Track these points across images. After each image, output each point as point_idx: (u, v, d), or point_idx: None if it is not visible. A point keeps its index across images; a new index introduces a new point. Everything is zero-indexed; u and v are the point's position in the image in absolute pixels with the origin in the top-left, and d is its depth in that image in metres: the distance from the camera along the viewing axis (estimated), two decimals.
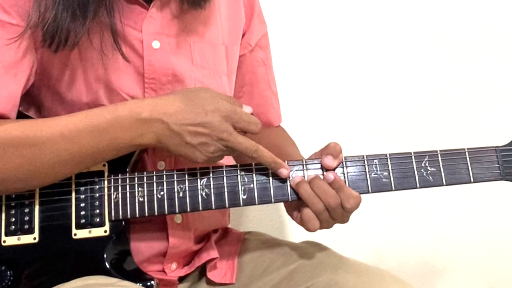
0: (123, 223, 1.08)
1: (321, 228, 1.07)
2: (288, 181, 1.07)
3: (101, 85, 1.09)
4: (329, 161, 1.07)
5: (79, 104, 1.09)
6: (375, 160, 1.07)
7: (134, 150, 1.06)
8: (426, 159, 1.07)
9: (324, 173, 1.07)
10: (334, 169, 1.07)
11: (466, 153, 1.07)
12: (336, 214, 1.06)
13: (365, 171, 1.07)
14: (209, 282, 1.20)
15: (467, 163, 1.07)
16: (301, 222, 1.08)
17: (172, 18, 1.14)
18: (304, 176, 1.07)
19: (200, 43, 1.17)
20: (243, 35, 1.29)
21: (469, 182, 1.06)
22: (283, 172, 1.06)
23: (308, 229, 1.07)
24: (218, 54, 1.20)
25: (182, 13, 1.15)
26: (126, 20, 1.10)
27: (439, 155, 1.07)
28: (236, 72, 1.29)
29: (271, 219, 1.74)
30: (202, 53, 1.17)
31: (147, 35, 1.11)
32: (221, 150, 1.04)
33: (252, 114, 1.07)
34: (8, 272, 1.06)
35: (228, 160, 1.31)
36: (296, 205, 1.09)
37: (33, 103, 1.13)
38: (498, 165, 1.07)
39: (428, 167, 1.07)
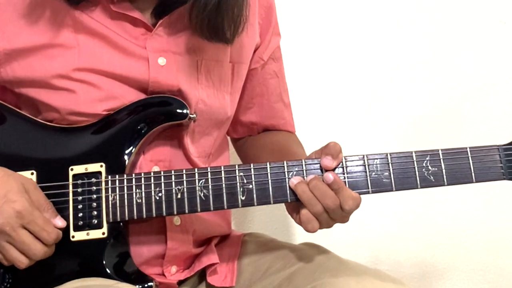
0: (121, 224, 1.07)
1: (320, 228, 1.06)
2: (287, 182, 1.06)
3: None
4: (328, 162, 1.06)
5: (73, 111, 1.10)
6: (375, 160, 1.06)
7: None
8: (427, 159, 1.06)
9: (324, 173, 1.06)
10: (333, 170, 1.06)
11: (468, 152, 1.06)
12: (336, 215, 1.05)
13: (365, 171, 1.06)
14: (209, 286, 1.19)
15: (469, 163, 1.05)
16: (300, 223, 1.07)
17: (180, 35, 1.14)
18: (303, 176, 1.06)
19: (206, 61, 1.17)
20: (256, 50, 1.28)
21: (471, 182, 1.05)
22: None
23: (307, 230, 1.06)
24: (224, 72, 1.20)
25: (191, 29, 1.15)
26: (131, 38, 1.11)
27: (440, 155, 1.06)
28: (246, 84, 1.29)
29: (271, 219, 1.74)
30: (208, 72, 1.17)
31: (152, 52, 1.11)
32: (5, 248, 1.01)
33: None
34: (7, 275, 1.06)
35: (226, 161, 1.31)
36: (295, 206, 1.08)
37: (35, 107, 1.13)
38: (501, 164, 1.06)
39: (430, 167, 1.06)
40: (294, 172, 1.06)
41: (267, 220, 1.74)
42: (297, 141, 1.34)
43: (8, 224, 0.99)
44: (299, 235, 1.09)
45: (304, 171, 1.07)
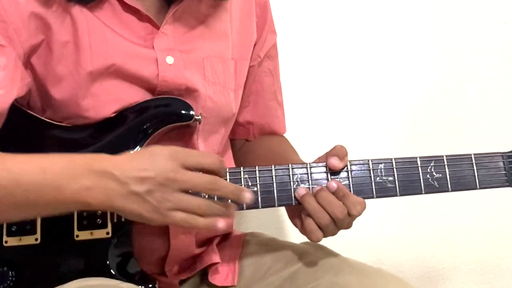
0: (125, 225, 1.07)
1: (325, 236, 1.06)
2: (292, 185, 1.06)
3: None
4: (335, 162, 1.06)
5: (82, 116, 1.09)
6: (380, 165, 1.07)
7: (72, 211, 1.03)
8: (431, 164, 1.06)
9: (329, 176, 1.06)
10: (339, 171, 1.07)
11: (473, 158, 1.07)
12: (343, 224, 1.06)
13: (370, 176, 1.07)
14: (210, 285, 1.20)
15: (473, 169, 1.06)
16: (304, 233, 1.07)
17: (184, 33, 1.14)
18: (308, 180, 1.07)
19: (211, 58, 1.17)
20: (254, 47, 1.28)
21: (475, 188, 1.06)
22: (246, 196, 1.00)
23: (311, 240, 1.07)
24: (228, 69, 1.20)
25: (194, 26, 1.15)
26: (137, 39, 1.10)
27: (445, 160, 1.07)
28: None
29: (272, 219, 1.74)
30: (214, 68, 1.17)
31: (160, 51, 1.11)
32: (171, 200, 0.96)
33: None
34: (10, 273, 1.06)
35: (231, 160, 1.31)
36: (298, 213, 1.09)
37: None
38: (504, 172, 1.07)
39: (434, 173, 1.06)
40: (299, 175, 1.07)
41: (268, 220, 1.74)
42: (291, 147, 1.35)
43: (170, 170, 0.96)
44: (300, 235, 1.10)
45: (309, 174, 1.07)
